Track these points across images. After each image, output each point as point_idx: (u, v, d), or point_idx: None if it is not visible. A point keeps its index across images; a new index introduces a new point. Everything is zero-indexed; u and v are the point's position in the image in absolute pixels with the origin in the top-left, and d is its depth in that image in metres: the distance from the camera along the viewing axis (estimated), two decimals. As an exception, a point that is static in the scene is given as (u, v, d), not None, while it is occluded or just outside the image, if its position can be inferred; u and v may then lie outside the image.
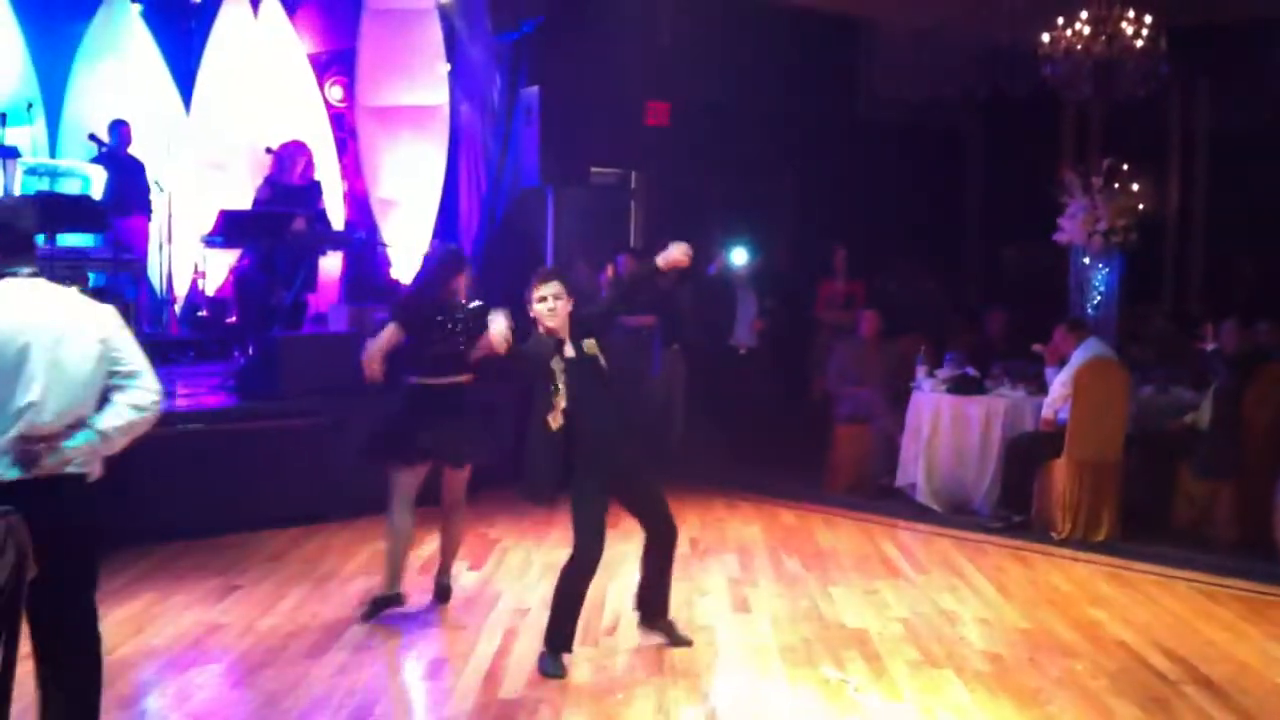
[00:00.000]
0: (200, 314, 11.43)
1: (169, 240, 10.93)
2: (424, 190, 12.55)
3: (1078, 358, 8.77)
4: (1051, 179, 10.95)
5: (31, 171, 9.98)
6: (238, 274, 11.00)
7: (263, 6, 12.18)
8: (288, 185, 10.90)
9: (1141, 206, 10.54)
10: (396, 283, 12.08)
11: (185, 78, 11.86)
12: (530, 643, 5.93)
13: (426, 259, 7.94)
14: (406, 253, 12.36)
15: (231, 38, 12.01)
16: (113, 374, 3.99)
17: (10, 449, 3.80)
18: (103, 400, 3.99)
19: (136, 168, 10.77)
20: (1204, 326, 9.30)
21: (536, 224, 11.32)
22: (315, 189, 11.11)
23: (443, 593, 6.80)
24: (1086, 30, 10.59)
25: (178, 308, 11.36)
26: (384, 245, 12.14)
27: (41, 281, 4.03)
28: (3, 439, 3.81)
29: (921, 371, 9.75)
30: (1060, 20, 10.70)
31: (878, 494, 9.77)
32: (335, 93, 12.69)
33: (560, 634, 5.64)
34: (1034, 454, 8.86)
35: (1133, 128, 12.59)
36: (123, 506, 7.76)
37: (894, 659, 5.92)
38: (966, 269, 15.25)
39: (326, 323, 10.78)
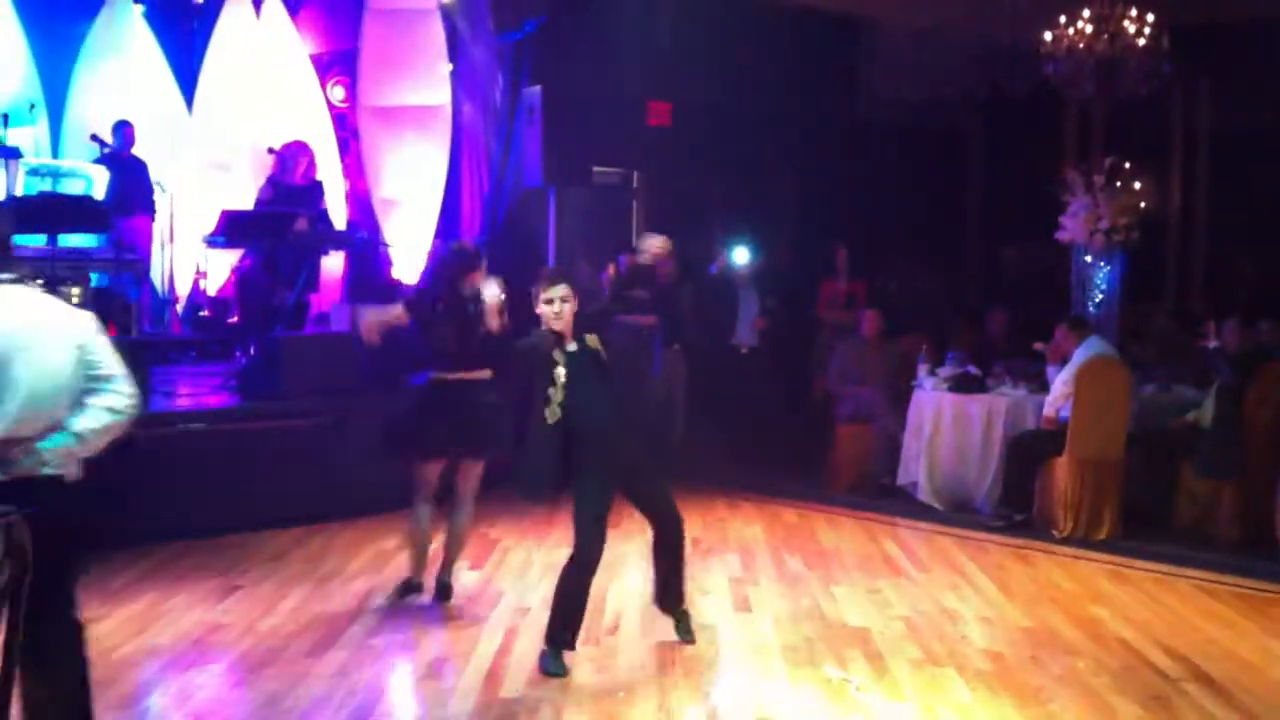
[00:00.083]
0: (202, 314, 11.44)
1: (171, 240, 10.93)
2: (426, 190, 12.56)
3: (1079, 356, 8.77)
4: (1053, 178, 10.94)
5: (34, 172, 9.98)
6: (240, 274, 11.01)
7: (265, 7, 12.19)
8: (290, 185, 10.90)
9: (1143, 205, 10.52)
10: (398, 283, 12.09)
11: (187, 78, 11.87)
12: (531, 642, 5.92)
13: (438, 255, 7.97)
14: (409, 253, 12.37)
15: (234, 38, 12.01)
16: (88, 378, 4.06)
17: None
18: (80, 404, 4.06)
19: (140, 168, 10.78)
20: (1206, 325, 9.29)
21: (538, 224, 11.32)
22: (317, 189, 11.12)
23: (444, 590, 6.81)
24: (1089, 29, 10.59)
25: (180, 308, 11.37)
26: (386, 245, 12.14)
27: (19, 288, 4.12)
28: None
29: (923, 370, 9.75)
30: (1062, 19, 10.70)
31: (879, 493, 9.78)
32: (337, 93, 12.70)
33: (562, 632, 5.64)
34: (1036, 452, 8.86)
35: (1135, 127, 12.58)
36: (124, 506, 7.81)
37: (896, 658, 5.92)
38: (967, 269, 15.24)
39: (328, 323, 10.80)
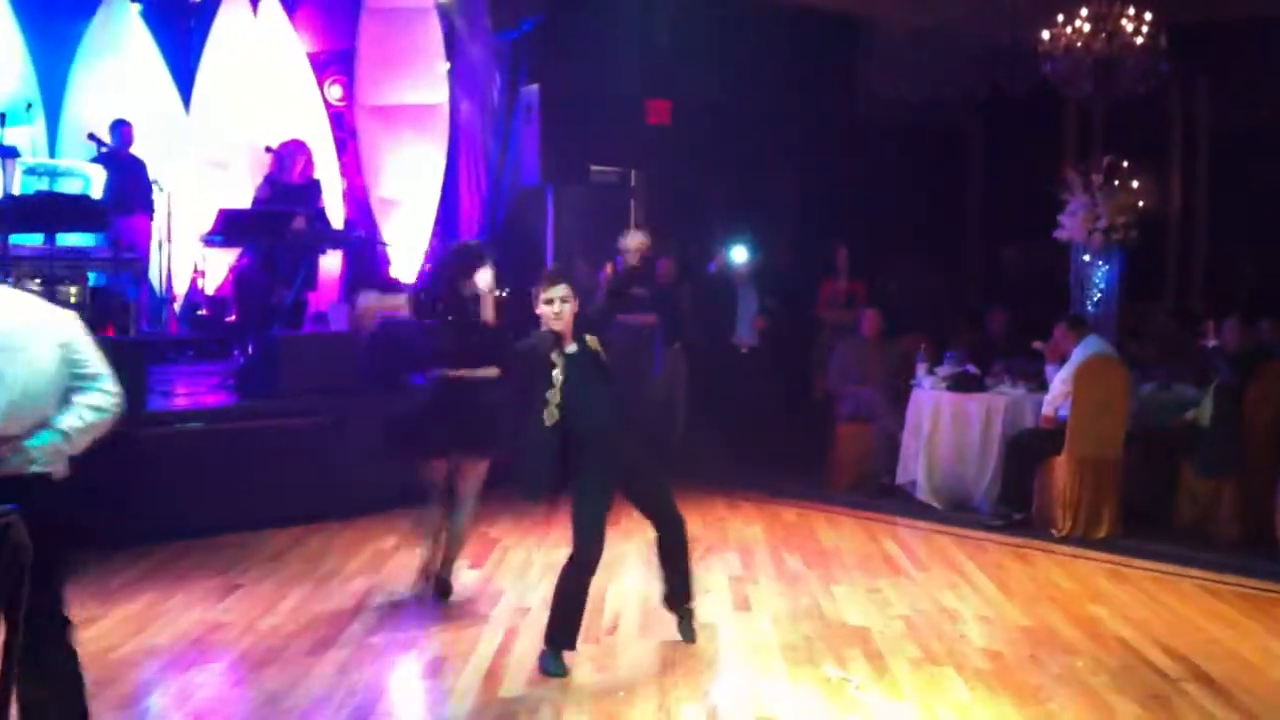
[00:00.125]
0: (200, 313, 11.43)
1: (169, 239, 10.92)
2: (424, 189, 12.55)
3: (1078, 355, 8.77)
4: (1052, 178, 10.94)
5: (31, 171, 9.96)
6: (237, 273, 11.01)
7: (262, 6, 12.18)
8: (287, 184, 10.90)
9: (1142, 204, 10.53)
10: (396, 281, 12.08)
11: (185, 77, 11.86)
12: (531, 641, 5.92)
13: (440, 254, 8.00)
14: (406, 252, 12.37)
15: (231, 37, 12.00)
16: (73, 376, 4.10)
17: None
18: (66, 402, 4.10)
19: (138, 167, 10.76)
20: (1205, 323, 9.30)
21: (536, 223, 11.32)
22: (315, 188, 11.11)
23: (443, 588, 6.82)
24: (1086, 28, 10.59)
25: (177, 307, 11.36)
26: (384, 244, 12.14)
27: (3, 288, 4.18)
28: None
29: (922, 369, 9.75)
30: (1060, 18, 10.70)
31: (879, 492, 9.78)
32: (335, 92, 12.69)
33: (561, 632, 5.64)
34: (1034, 451, 8.86)
35: (1134, 126, 12.58)
36: (123, 506, 7.81)
37: (895, 657, 5.91)
38: (967, 268, 15.24)
39: (326, 322, 10.78)
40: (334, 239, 11.17)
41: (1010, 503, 8.89)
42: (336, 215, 11.97)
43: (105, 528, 7.70)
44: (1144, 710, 5.23)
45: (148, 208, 10.76)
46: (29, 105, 10.88)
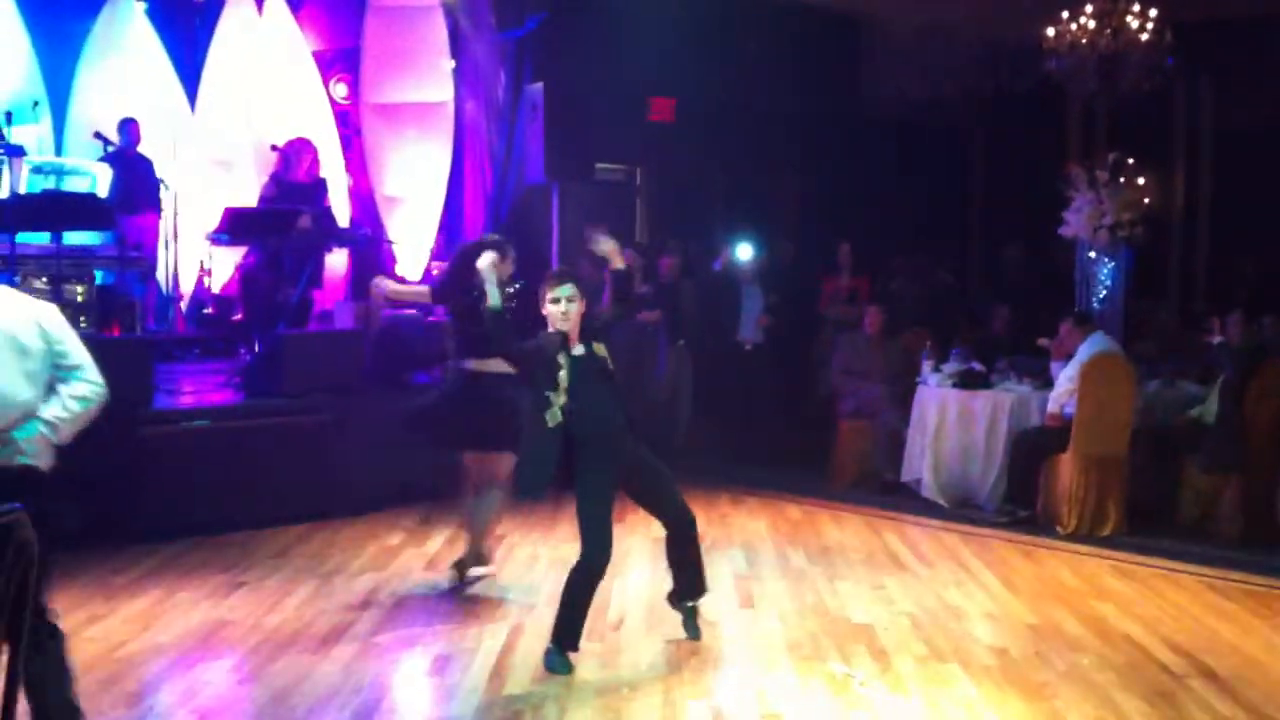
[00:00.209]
0: (206, 311, 11.42)
1: (174, 238, 10.93)
2: (429, 187, 12.55)
3: (1083, 352, 8.77)
4: (1056, 175, 10.94)
5: (37, 170, 9.97)
6: (243, 271, 11.00)
7: (267, 4, 12.17)
8: (293, 182, 10.90)
9: (1147, 201, 10.52)
10: (402, 279, 12.08)
11: (190, 75, 11.85)
12: (536, 639, 5.92)
13: (460, 246, 8.05)
14: (412, 250, 12.37)
15: (236, 35, 11.99)
16: (56, 367, 4.19)
17: None
18: (50, 393, 4.20)
19: (145, 166, 10.76)
20: (1210, 319, 9.29)
21: (541, 221, 11.32)
22: (321, 186, 11.11)
23: (461, 575, 6.92)
24: (1091, 24, 10.59)
25: (184, 305, 11.36)
26: (389, 242, 12.15)
27: None
28: None
29: (927, 366, 9.75)
30: (1065, 14, 10.70)
31: (883, 489, 9.78)
32: (340, 90, 12.68)
33: (567, 631, 5.64)
34: (1040, 449, 8.86)
35: (1138, 124, 12.57)
36: (129, 503, 7.83)
37: (900, 654, 5.92)
38: (970, 266, 15.22)
39: (332, 320, 10.80)
40: (339, 237, 11.17)
41: (1016, 500, 8.89)
42: (342, 213, 11.96)
43: (111, 525, 7.74)
44: (1150, 706, 5.23)
45: (155, 206, 10.76)
46: (35, 104, 10.89)
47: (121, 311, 10.14)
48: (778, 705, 5.23)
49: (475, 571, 7.03)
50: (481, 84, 12.52)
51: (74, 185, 10.00)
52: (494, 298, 5.87)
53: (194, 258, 11.40)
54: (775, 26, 12.88)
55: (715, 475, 10.17)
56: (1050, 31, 10.77)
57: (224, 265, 11.54)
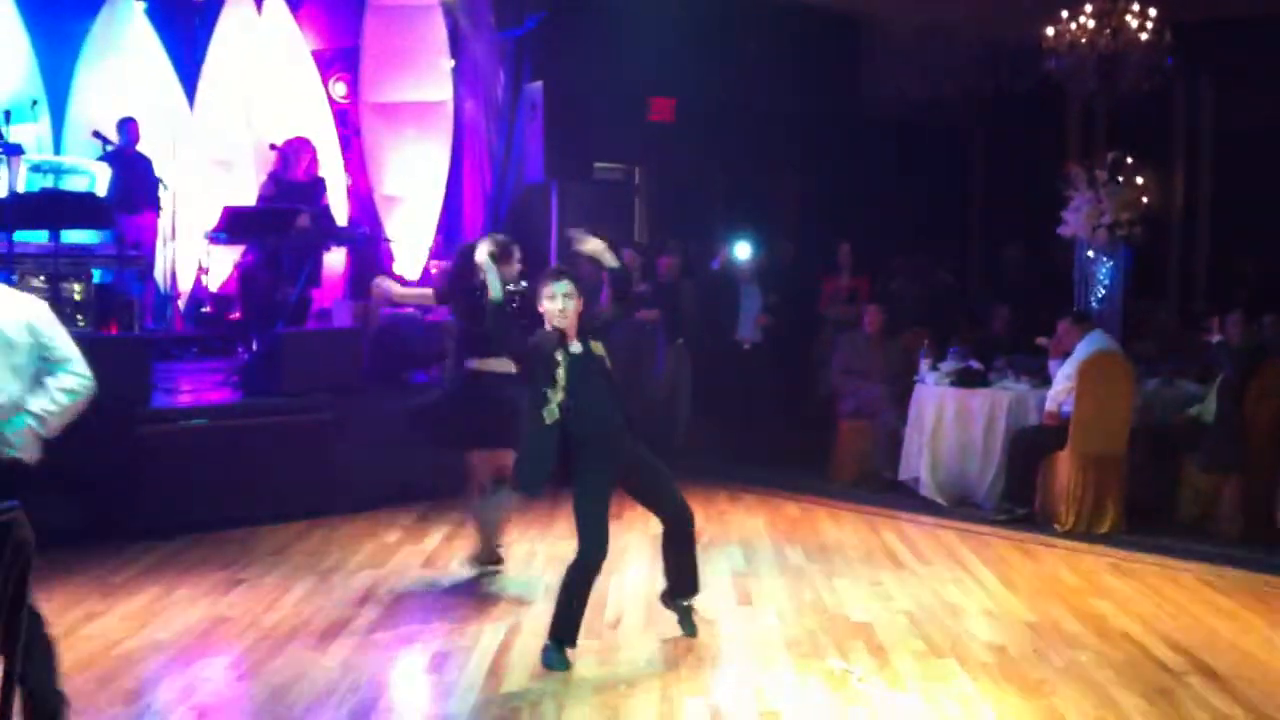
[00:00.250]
0: (204, 310, 11.43)
1: (173, 237, 10.94)
2: (428, 186, 12.56)
3: (1082, 351, 8.77)
4: (1056, 174, 10.94)
5: (36, 169, 9.97)
6: (242, 270, 11.01)
7: (266, 3, 12.17)
8: (292, 181, 10.91)
9: (1146, 200, 10.52)
10: (401, 278, 12.08)
11: (189, 75, 11.85)
12: (534, 636, 5.92)
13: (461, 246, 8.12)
14: (410, 249, 12.37)
15: (235, 34, 12.00)
16: (44, 360, 4.24)
17: None
18: (38, 386, 4.26)
19: (145, 165, 10.76)
20: (1209, 319, 9.29)
21: (540, 220, 11.32)
22: (319, 185, 11.12)
23: (482, 567, 7.08)
24: (1091, 24, 10.60)
25: (182, 304, 11.36)
26: (388, 241, 12.16)
27: None
28: None
29: (925, 365, 9.74)
30: (1065, 14, 10.70)
31: (881, 488, 9.78)
32: (339, 89, 12.69)
33: (564, 628, 5.64)
34: (1038, 447, 8.86)
35: (1138, 124, 12.57)
36: (127, 501, 7.84)
37: (899, 650, 5.91)
38: (971, 266, 15.22)
39: (330, 319, 10.81)
40: (338, 236, 11.18)
41: (1014, 498, 8.89)
42: (341, 213, 11.97)
43: (109, 523, 7.74)
44: (1148, 703, 5.23)
45: (154, 205, 10.77)
46: (34, 103, 10.89)
47: (120, 310, 10.14)
48: (776, 702, 5.23)
49: (487, 569, 7.14)
50: (481, 83, 12.52)
51: (72, 184, 10.00)
52: (495, 289, 5.88)
53: (192, 256, 11.41)
54: (775, 26, 12.88)
55: (714, 473, 10.17)
56: (1050, 31, 10.77)
57: (222, 264, 11.54)
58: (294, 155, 11.01)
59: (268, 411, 8.73)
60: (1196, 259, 14.12)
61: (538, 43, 11.95)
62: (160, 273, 11.00)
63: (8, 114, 10.05)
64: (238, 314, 11.04)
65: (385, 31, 12.60)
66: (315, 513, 8.50)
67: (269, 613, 6.40)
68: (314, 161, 11.15)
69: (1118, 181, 10.41)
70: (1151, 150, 11.65)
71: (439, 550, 7.82)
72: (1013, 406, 9.19)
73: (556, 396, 5.58)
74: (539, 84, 11.09)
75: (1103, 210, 10.34)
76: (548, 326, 5.72)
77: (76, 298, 9.64)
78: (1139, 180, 10.51)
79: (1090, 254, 10.59)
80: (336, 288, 11.67)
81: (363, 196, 12.65)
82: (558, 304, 5.65)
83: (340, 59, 12.79)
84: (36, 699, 4.21)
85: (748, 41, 12.77)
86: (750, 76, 12.87)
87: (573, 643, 5.67)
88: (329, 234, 10.84)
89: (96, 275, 10.05)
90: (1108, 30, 10.59)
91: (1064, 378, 8.78)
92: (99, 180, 10.19)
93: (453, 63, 12.61)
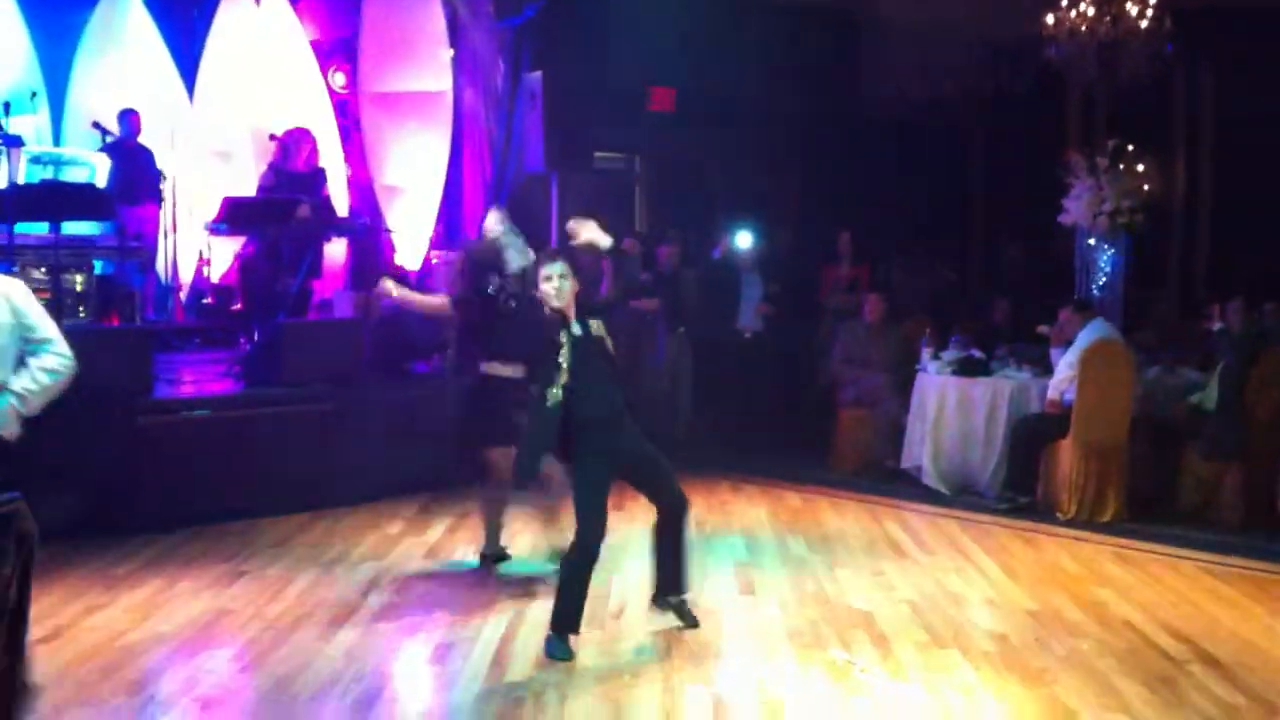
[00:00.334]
0: (205, 301, 11.43)
1: (174, 228, 10.93)
2: (428, 177, 12.54)
3: (1083, 339, 8.77)
4: (1057, 165, 10.92)
5: (36, 160, 9.97)
6: (243, 261, 11.00)
7: (265, -6, 12.17)
8: (292, 172, 10.90)
9: (1147, 188, 10.51)
10: (401, 269, 12.08)
11: (189, 66, 11.83)
12: (537, 627, 5.92)
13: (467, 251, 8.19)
14: (411, 239, 12.36)
15: (234, 25, 11.98)
16: (25, 340, 4.28)
17: None
18: (20, 366, 4.30)
19: (146, 156, 10.76)
20: (1210, 306, 9.29)
21: (540, 210, 11.32)
22: (320, 176, 11.11)
23: (491, 561, 7.12)
24: (1091, 11, 10.58)
25: (183, 295, 11.36)
26: (388, 232, 12.14)
27: None
28: None
29: (926, 354, 9.75)
30: (1064, 2, 10.68)
31: (883, 477, 9.78)
32: (338, 79, 12.67)
33: (566, 617, 5.65)
34: (1040, 436, 8.86)
35: (1138, 113, 12.55)
36: (129, 493, 7.84)
37: (901, 640, 5.92)
38: (971, 265, 15.18)
39: (331, 309, 10.80)
40: (339, 227, 11.17)
41: (1016, 487, 8.89)
42: (341, 203, 11.97)
43: (111, 515, 7.74)
44: (1150, 691, 5.24)
45: (156, 197, 10.76)
46: (33, 94, 10.88)
47: (121, 301, 10.14)
48: (778, 692, 5.24)
49: (498, 561, 7.24)
50: (480, 73, 12.49)
51: (72, 176, 10.00)
52: (516, 261, 5.91)
53: (193, 248, 11.40)
54: (776, 12, 12.84)
55: (715, 463, 10.17)
56: (1050, 19, 10.75)
57: (223, 255, 11.53)
58: (294, 146, 11.00)
59: (269, 402, 8.73)
60: (1198, 246, 14.10)
61: (537, 32, 11.93)
62: (161, 264, 10.99)
63: (7, 106, 10.04)
64: (239, 305, 11.03)
65: (384, 21, 12.58)
66: (317, 504, 8.51)
67: (272, 604, 6.41)
68: (314, 152, 11.14)
69: (1118, 169, 10.41)
70: (1152, 138, 11.64)
71: (442, 541, 7.83)
72: (1015, 395, 9.19)
73: (561, 377, 5.59)
74: (538, 73, 11.08)
75: (1104, 198, 10.35)
76: (546, 309, 5.74)
77: (78, 289, 9.63)
78: (1140, 168, 10.51)
79: (1091, 242, 10.59)
80: (337, 278, 11.66)
81: (363, 187, 12.64)
82: (553, 284, 5.66)
83: (339, 49, 12.77)
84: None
85: (748, 30, 12.74)
86: (751, 66, 12.84)
87: (575, 629, 5.68)
88: (329, 224, 10.83)
89: (98, 267, 10.05)
90: (1108, 18, 10.57)
91: (1066, 366, 8.78)
92: (99, 172, 10.18)
93: (452, 52, 12.58)
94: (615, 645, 5.86)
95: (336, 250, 11.55)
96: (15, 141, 9.94)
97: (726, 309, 11.56)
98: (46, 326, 4.33)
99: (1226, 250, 13.38)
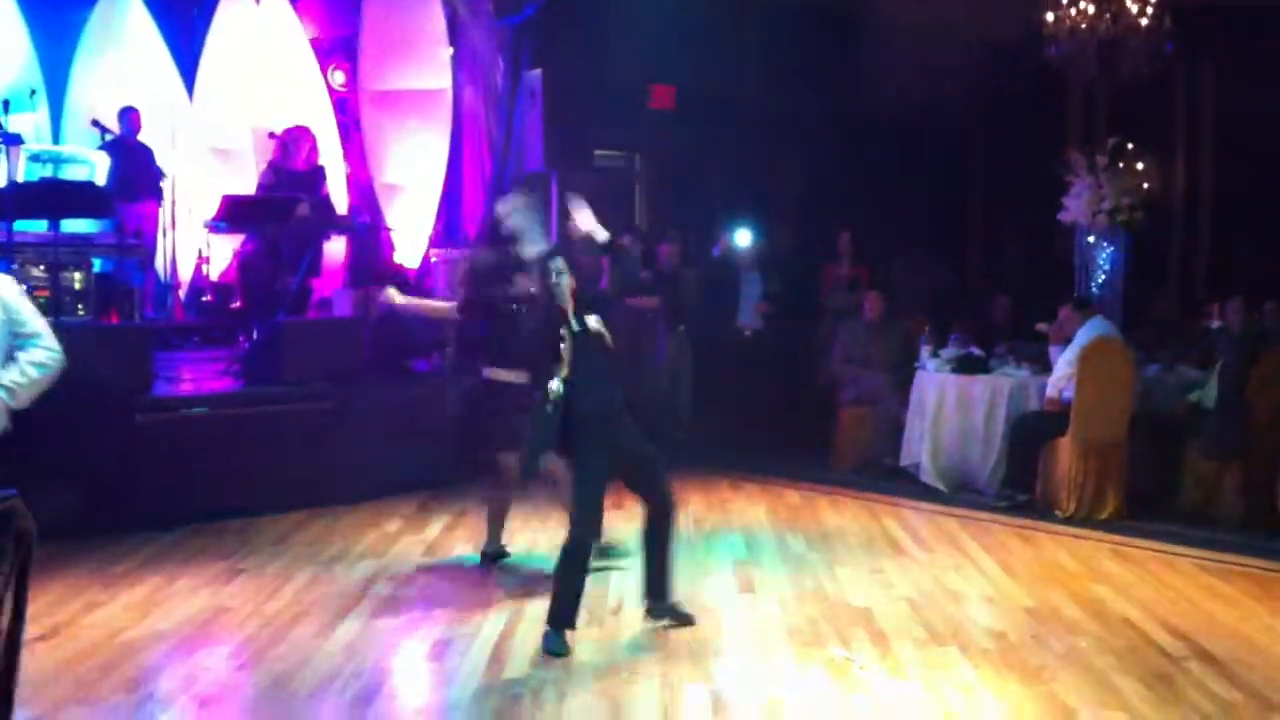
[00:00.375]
0: (205, 299, 11.43)
1: (173, 226, 10.93)
2: (427, 175, 12.54)
3: (1083, 337, 8.76)
4: (1057, 163, 10.92)
5: (35, 158, 9.97)
6: (242, 259, 11.00)
7: (264, -8, 12.17)
8: (291, 170, 10.91)
9: (1146, 186, 10.51)
10: (400, 267, 12.08)
11: (188, 64, 11.84)
12: (535, 623, 5.92)
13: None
14: (411, 238, 12.36)
15: (234, 23, 11.98)
16: (14, 336, 4.34)
17: None
18: (8, 360, 4.35)
19: (145, 154, 10.76)
20: (1210, 305, 9.29)
21: (540, 208, 11.31)
22: (319, 174, 11.12)
23: (492, 559, 7.14)
24: (1090, 9, 10.57)
25: (182, 293, 11.36)
26: (388, 230, 12.14)
27: None
28: None
29: (925, 351, 9.75)
30: (1064, 0, 10.67)
31: (883, 474, 9.78)
32: (338, 78, 12.67)
33: (563, 612, 5.65)
34: (1039, 433, 8.86)
35: (1139, 112, 12.54)
36: (128, 491, 7.84)
37: (900, 637, 5.92)
38: (971, 263, 15.16)
39: (331, 308, 10.80)
40: (338, 225, 11.18)
41: (1015, 484, 8.90)
42: (340, 201, 11.97)
43: (110, 512, 7.74)
44: (1148, 689, 5.24)
45: (156, 194, 10.76)
46: (32, 92, 10.88)
47: (120, 299, 10.14)
48: (777, 690, 5.23)
49: (498, 559, 7.26)
50: (480, 71, 12.49)
51: (72, 174, 9.99)
52: (531, 248, 5.94)
53: (192, 246, 11.40)
54: (775, 9, 12.82)
55: (714, 461, 10.18)
56: (1050, 17, 10.74)
57: (223, 253, 11.53)
58: (293, 144, 11.01)
59: (268, 401, 8.73)
60: (1198, 245, 14.07)
61: (537, 30, 11.92)
62: (160, 262, 10.99)
63: (6, 103, 10.04)
64: (238, 303, 11.03)
65: (384, 19, 12.59)
66: (316, 502, 8.50)
67: (270, 602, 6.41)
68: (313, 150, 11.14)
69: (1118, 167, 10.41)
70: (1152, 136, 11.63)
71: (440, 539, 7.83)
72: (1014, 393, 9.19)
73: (562, 371, 5.60)
74: (538, 71, 11.08)
75: (1103, 196, 10.35)
76: (546, 302, 5.76)
77: (77, 287, 9.63)
78: (1139, 166, 10.50)
79: (1090, 240, 10.58)
80: (337, 277, 11.66)
81: (362, 185, 12.65)
82: (551, 279, 5.68)
83: (339, 47, 12.77)
84: None
85: (748, 28, 12.71)
86: (750, 64, 12.82)
87: (571, 625, 5.68)
88: (329, 223, 10.84)
89: (97, 264, 10.04)
90: (1107, 15, 10.56)
91: (1065, 364, 8.78)
92: (98, 170, 10.18)
93: (452, 50, 12.58)
94: (614, 642, 5.86)
95: (336, 249, 11.55)
96: (14, 139, 9.94)
97: (726, 308, 11.55)
98: (35, 321, 4.39)
99: (1226, 249, 13.36)
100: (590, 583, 5.86)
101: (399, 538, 7.86)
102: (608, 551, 6.91)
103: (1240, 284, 10.51)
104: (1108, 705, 5.05)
